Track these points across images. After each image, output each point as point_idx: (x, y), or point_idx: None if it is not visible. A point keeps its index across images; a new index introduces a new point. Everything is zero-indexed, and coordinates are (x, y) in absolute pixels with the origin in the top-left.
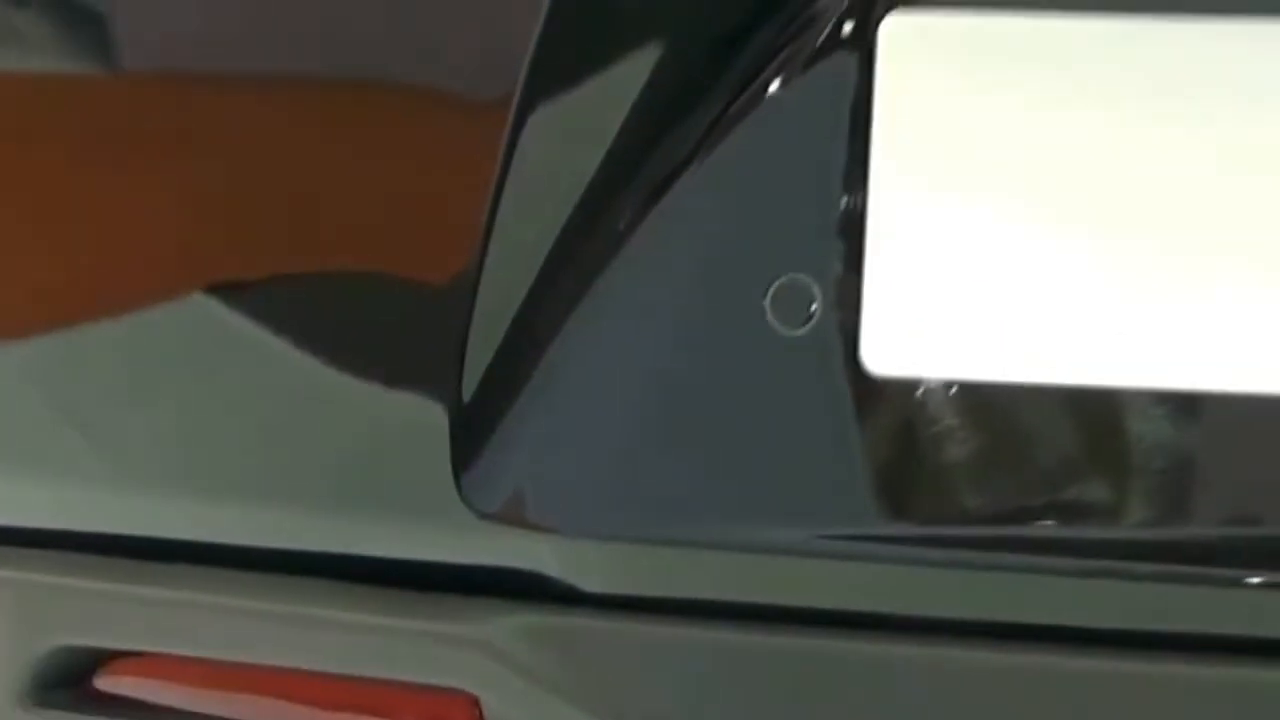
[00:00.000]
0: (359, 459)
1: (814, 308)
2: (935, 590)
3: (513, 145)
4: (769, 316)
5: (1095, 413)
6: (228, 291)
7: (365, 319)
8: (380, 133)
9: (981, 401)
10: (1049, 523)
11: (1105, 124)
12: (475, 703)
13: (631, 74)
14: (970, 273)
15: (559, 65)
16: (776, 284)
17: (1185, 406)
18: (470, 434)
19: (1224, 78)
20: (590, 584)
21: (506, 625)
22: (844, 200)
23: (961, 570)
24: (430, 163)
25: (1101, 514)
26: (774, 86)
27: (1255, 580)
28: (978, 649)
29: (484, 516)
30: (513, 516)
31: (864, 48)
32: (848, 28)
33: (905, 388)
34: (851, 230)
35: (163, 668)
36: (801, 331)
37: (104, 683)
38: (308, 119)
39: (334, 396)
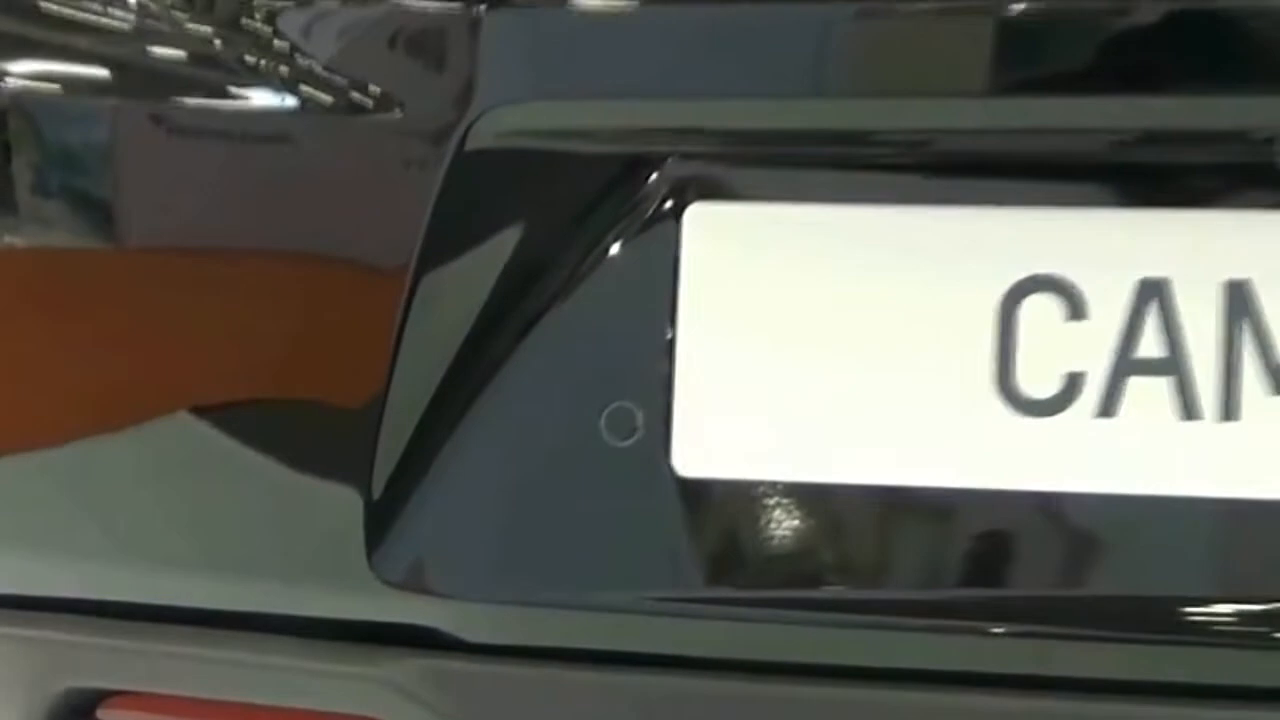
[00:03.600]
0: (296, 541)
1: (636, 426)
2: (752, 637)
3: (410, 300)
4: (604, 433)
5: (846, 501)
6: (201, 412)
7: (301, 436)
8: (309, 289)
9: (764, 495)
10: (821, 584)
11: (857, 279)
12: None
13: (501, 244)
14: (755, 399)
15: (446, 238)
16: (609, 408)
17: (918, 499)
18: (379, 522)
19: (961, 247)
20: (474, 636)
21: (409, 668)
22: (659, 342)
23: (765, 622)
24: (348, 315)
25: (858, 576)
26: (610, 253)
27: (997, 630)
28: (792, 685)
29: (390, 584)
30: (413, 584)
31: (674, 226)
32: (663, 210)
33: (706, 485)
34: (664, 367)
35: (149, 703)
36: (628, 444)
37: (104, 715)
38: (256, 283)
39: (277, 494)
